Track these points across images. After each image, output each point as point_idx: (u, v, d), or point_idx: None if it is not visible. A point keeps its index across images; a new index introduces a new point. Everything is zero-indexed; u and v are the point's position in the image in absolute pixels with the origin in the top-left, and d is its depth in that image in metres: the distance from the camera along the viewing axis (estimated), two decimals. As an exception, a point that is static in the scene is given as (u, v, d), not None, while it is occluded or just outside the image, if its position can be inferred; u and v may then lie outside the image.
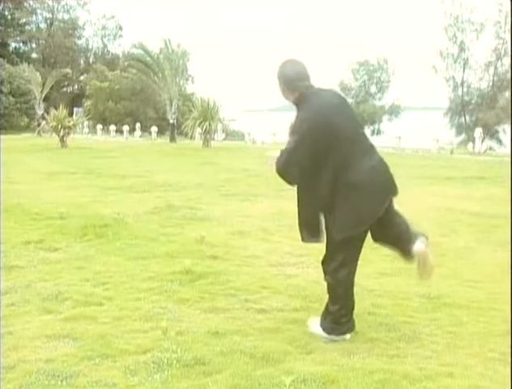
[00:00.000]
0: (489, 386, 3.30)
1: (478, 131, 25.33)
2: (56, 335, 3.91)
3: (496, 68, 30.14)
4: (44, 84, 36.87)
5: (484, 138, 26.57)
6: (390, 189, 3.87)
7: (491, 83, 30.49)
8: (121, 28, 54.89)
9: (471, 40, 30.52)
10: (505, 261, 6.18)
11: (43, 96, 37.18)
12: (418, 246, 3.84)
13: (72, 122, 24.50)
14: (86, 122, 37.40)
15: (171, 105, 31.10)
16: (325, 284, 3.98)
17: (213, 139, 27.25)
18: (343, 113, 3.87)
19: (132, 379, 3.31)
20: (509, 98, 29.62)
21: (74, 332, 3.97)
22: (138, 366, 3.46)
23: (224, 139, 31.69)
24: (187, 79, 45.20)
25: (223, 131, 32.10)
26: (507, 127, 29.49)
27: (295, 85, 3.82)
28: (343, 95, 4.25)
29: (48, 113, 26.38)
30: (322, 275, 3.99)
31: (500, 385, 3.32)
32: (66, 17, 53.42)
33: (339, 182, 3.68)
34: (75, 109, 42.66)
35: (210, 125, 25.40)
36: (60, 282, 5.13)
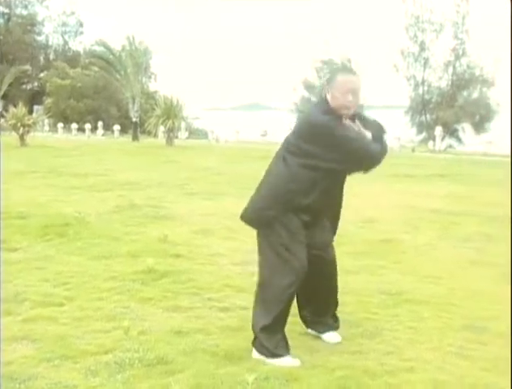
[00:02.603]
0: (448, 379, 3.36)
1: (438, 130, 25.77)
2: (14, 337, 3.83)
3: (454, 68, 30.64)
4: (2, 81, 36.16)
5: (444, 136, 27.05)
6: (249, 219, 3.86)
7: (450, 83, 31.00)
8: (81, 25, 54.18)
9: (431, 39, 30.96)
10: (465, 257, 6.33)
11: (1, 93, 36.46)
12: None
13: (32, 120, 24.03)
14: (46, 120, 36.80)
15: (133, 103, 30.83)
16: None
17: (176, 138, 27.10)
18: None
19: (93, 380, 3.26)
20: (468, 97, 30.21)
21: (33, 334, 3.89)
22: (100, 367, 3.41)
23: (188, 138, 31.57)
24: (150, 77, 44.84)
25: (186, 129, 31.96)
26: (466, 126, 30.07)
27: None
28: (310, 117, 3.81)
29: (6, 110, 25.78)
30: None
31: (457, 378, 3.38)
32: (25, 13, 52.41)
33: None
34: (35, 107, 41.89)
35: (173, 123, 25.27)
36: (19, 283, 5.03)
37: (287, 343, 3.67)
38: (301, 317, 4.07)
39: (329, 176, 3.68)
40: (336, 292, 4.04)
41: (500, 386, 3.30)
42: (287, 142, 3.79)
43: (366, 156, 3.71)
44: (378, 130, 3.84)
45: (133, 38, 30.96)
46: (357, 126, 3.75)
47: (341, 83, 3.68)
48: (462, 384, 3.31)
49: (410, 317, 4.40)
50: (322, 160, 3.61)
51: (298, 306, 4.03)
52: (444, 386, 3.28)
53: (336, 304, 4.06)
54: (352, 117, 3.78)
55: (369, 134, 3.76)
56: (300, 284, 3.72)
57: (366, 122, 3.86)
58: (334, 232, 4.03)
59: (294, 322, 4.09)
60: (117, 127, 34.58)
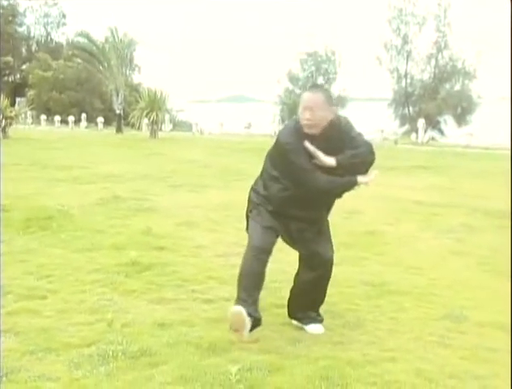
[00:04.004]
0: (429, 368, 3.41)
1: (421, 122, 25.90)
2: (-3, 330, 3.82)
3: (437, 60, 30.84)
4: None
5: (426, 128, 27.20)
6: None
7: (432, 75, 31.19)
8: (64, 16, 53.57)
9: (414, 32, 31.12)
10: (446, 248, 6.40)
11: (-17, 85, 35.99)
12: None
13: (14, 113, 23.85)
14: (29, 113, 36.44)
15: (117, 96, 30.64)
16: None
17: (160, 130, 26.99)
18: None
19: (76, 372, 3.26)
20: (450, 90, 30.40)
21: (16, 326, 3.88)
22: (83, 359, 3.41)
23: (172, 130, 31.43)
24: (134, 69, 44.48)
25: (170, 122, 31.83)
26: (448, 118, 30.29)
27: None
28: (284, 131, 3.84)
29: (-12, 102, 25.49)
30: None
31: (438, 367, 3.43)
32: (5, 3, 51.68)
33: None
34: (17, 99, 41.45)
35: (157, 115, 25.19)
36: (2, 276, 5.00)
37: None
38: (288, 306, 4.11)
39: (290, 189, 3.75)
40: (325, 292, 4.06)
41: (478, 374, 3.36)
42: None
43: (313, 190, 3.72)
44: (354, 157, 3.69)
45: (115, 30, 30.75)
46: (313, 149, 3.60)
47: (301, 100, 3.69)
48: (442, 373, 3.36)
49: (392, 307, 4.45)
50: (279, 174, 3.75)
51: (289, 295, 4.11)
52: (425, 375, 3.33)
53: (321, 303, 4.09)
54: (332, 134, 3.66)
55: (331, 161, 3.63)
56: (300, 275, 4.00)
57: (352, 143, 3.70)
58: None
59: (276, 314, 4.14)
60: (100, 119, 34.33)
